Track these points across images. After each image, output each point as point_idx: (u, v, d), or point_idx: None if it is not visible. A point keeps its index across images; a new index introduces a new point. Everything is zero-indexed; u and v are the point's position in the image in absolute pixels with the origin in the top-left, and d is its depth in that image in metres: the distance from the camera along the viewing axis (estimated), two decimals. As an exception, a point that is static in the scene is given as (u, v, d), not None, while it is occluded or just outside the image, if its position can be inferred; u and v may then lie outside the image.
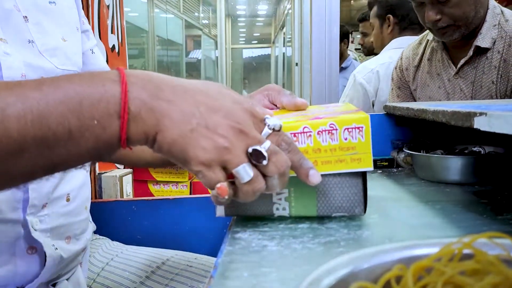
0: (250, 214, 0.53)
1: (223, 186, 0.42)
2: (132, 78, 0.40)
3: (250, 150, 0.42)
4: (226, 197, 0.42)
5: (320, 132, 0.49)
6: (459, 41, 1.21)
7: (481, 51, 1.18)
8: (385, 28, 1.80)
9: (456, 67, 1.22)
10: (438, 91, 1.28)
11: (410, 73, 1.36)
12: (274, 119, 0.45)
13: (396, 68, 1.42)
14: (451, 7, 1.14)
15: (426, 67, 1.32)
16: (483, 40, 1.16)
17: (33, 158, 0.38)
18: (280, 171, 0.43)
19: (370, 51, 2.41)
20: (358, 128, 0.49)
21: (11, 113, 0.36)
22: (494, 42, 1.16)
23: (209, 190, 0.44)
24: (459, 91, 1.23)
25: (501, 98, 1.17)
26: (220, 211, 0.53)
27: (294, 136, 0.49)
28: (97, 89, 0.39)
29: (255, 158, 0.42)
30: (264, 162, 0.42)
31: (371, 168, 0.50)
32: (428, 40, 1.31)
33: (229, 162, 0.41)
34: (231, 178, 0.43)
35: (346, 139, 0.49)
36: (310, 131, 0.49)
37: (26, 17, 0.62)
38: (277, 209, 0.52)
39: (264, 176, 0.44)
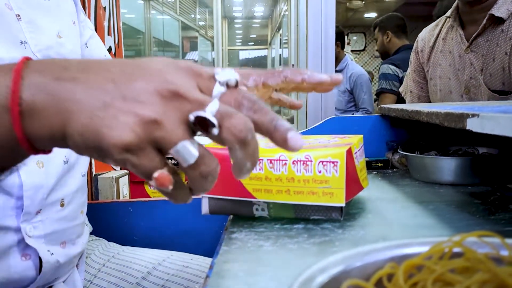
0: (232, 213, 0.55)
1: (162, 175, 0.31)
2: (32, 64, 0.33)
3: (192, 118, 0.31)
4: (170, 186, 0.31)
5: (295, 162, 0.50)
6: (475, 12, 1.21)
7: (495, 22, 1.18)
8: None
9: (468, 42, 1.24)
10: (448, 69, 1.31)
11: (425, 54, 1.39)
12: (227, 72, 0.34)
13: (413, 51, 1.46)
14: None
15: (440, 47, 1.34)
16: (498, 10, 1.17)
17: None
18: (239, 137, 0.31)
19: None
20: (333, 162, 0.49)
21: None
22: (511, 15, 1.16)
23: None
24: (469, 65, 1.24)
25: None
26: (205, 209, 0.55)
27: (271, 162, 0.50)
28: None
29: (201, 127, 0.32)
30: (215, 131, 0.31)
31: (343, 204, 0.50)
32: (446, 18, 1.33)
33: (162, 140, 0.30)
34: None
35: (320, 172, 0.49)
36: (286, 160, 0.50)
37: (18, 15, 0.60)
38: (257, 209, 0.53)
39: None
